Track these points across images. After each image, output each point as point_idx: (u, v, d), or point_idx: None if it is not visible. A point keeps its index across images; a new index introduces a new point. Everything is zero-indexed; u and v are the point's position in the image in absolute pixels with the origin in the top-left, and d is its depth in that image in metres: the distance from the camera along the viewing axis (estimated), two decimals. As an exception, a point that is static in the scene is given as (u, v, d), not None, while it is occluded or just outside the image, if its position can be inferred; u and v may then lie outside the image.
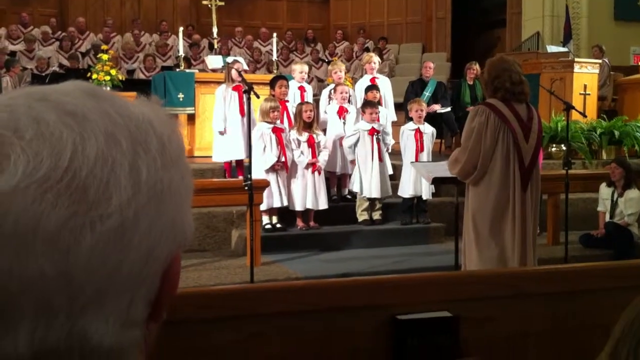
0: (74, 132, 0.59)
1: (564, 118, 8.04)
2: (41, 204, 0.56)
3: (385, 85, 9.13)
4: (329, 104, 8.56)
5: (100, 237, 0.58)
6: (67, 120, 0.59)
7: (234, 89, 8.06)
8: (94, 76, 9.92)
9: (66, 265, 0.56)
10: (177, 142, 0.67)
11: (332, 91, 8.51)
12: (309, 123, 7.53)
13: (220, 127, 8.10)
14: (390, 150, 8.19)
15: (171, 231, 0.64)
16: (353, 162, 7.85)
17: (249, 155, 6.31)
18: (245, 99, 7.84)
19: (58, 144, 0.58)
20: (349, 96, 8.41)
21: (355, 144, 7.79)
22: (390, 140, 8.15)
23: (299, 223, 7.58)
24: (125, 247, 0.59)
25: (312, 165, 7.46)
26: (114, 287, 0.60)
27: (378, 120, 7.88)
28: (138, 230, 0.60)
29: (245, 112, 7.97)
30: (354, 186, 7.84)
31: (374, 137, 7.74)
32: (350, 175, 8.21)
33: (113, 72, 10.18)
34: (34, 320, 0.57)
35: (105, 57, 10.28)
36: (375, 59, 9.29)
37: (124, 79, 11.04)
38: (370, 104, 7.89)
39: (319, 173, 7.51)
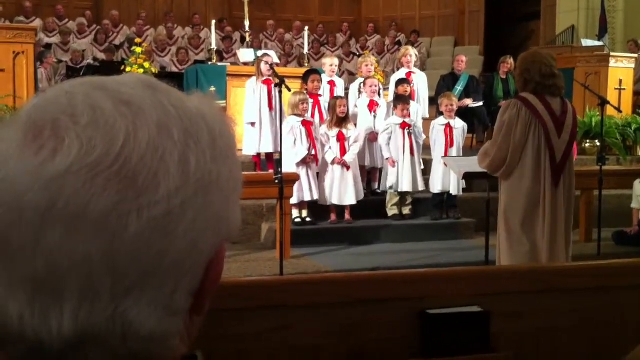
0: (128, 121, 0.61)
1: (598, 113, 7.95)
2: (91, 187, 0.58)
3: (420, 80, 9.06)
4: (359, 97, 8.54)
5: (147, 224, 0.59)
6: (122, 109, 0.62)
7: (264, 82, 8.10)
8: (128, 69, 10.02)
9: (112, 249, 0.58)
10: (228, 136, 0.69)
11: (362, 85, 8.49)
12: (342, 118, 7.52)
13: (250, 119, 8.17)
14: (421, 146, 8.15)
15: (217, 224, 0.65)
16: (390, 159, 7.76)
17: (280, 149, 6.33)
18: (274, 93, 7.90)
19: (111, 131, 0.60)
20: (379, 89, 8.38)
21: (389, 139, 7.76)
22: (422, 136, 8.07)
23: (332, 217, 7.59)
24: (170, 236, 0.61)
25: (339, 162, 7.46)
26: (158, 274, 0.61)
27: (409, 115, 7.85)
28: (184, 220, 0.61)
29: (274, 105, 8.02)
30: (388, 182, 7.79)
31: (406, 131, 7.71)
32: (380, 170, 8.20)
33: (146, 65, 10.28)
34: (79, 300, 0.59)
35: (139, 50, 10.38)
36: (412, 52, 9.20)
37: (157, 72, 11.14)
38: (402, 100, 7.85)
39: (348, 168, 7.49)
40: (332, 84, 8.74)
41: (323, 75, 8.66)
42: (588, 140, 9.61)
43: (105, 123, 0.60)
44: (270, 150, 8.16)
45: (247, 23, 11.56)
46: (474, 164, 5.54)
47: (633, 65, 10.94)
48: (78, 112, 0.61)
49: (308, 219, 7.49)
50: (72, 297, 0.59)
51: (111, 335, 0.60)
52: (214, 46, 10.67)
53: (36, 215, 0.58)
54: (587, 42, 12.88)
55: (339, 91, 8.70)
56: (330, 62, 8.88)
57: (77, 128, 0.60)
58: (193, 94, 0.69)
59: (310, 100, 7.68)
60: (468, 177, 6.29)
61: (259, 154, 8.36)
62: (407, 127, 7.72)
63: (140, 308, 0.61)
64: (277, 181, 5.95)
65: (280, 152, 6.27)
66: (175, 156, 0.61)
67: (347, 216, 7.61)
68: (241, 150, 8.28)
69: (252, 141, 8.25)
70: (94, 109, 0.61)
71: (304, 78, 8.15)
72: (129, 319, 0.60)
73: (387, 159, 7.79)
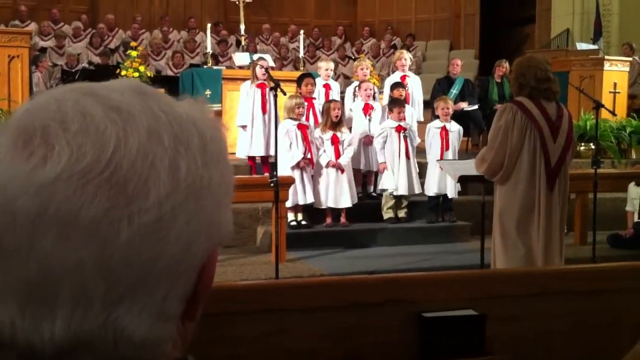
0: (118, 127, 0.61)
1: (593, 116, 7.96)
2: (82, 194, 0.58)
3: (415, 83, 9.08)
4: (354, 101, 8.55)
5: (138, 230, 0.59)
6: (112, 115, 0.61)
7: (258, 86, 8.12)
8: (123, 72, 10.00)
9: (103, 256, 0.58)
10: (220, 141, 0.68)
11: (357, 88, 8.51)
12: (336, 121, 7.53)
13: (242, 122, 8.21)
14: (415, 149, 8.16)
15: (208, 229, 0.65)
16: (383, 164, 7.77)
17: (275, 152, 6.32)
18: (268, 97, 7.92)
19: (102, 138, 0.60)
20: (374, 93, 8.39)
21: (384, 143, 7.77)
22: (416, 139, 8.09)
23: (328, 220, 7.59)
24: (161, 242, 0.61)
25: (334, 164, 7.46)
26: (150, 280, 0.61)
27: (404, 119, 7.87)
28: (175, 226, 0.61)
29: (267, 109, 8.04)
30: (384, 184, 7.79)
31: (401, 135, 7.73)
32: (375, 173, 8.20)
33: (142, 68, 10.27)
34: (72, 307, 0.59)
35: (134, 53, 10.37)
36: (407, 55, 9.23)
37: (152, 75, 11.13)
38: (397, 103, 7.87)
39: (342, 171, 7.50)
40: (327, 87, 8.75)
41: (318, 79, 8.67)
42: (583, 144, 9.63)
43: (96, 129, 0.60)
44: (262, 153, 8.19)
45: (242, 26, 11.56)
46: (469, 167, 5.55)
47: (628, 69, 10.97)
48: (68, 119, 0.60)
49: (303, 222, 7.49)
50: (64, 304, 0.59)
51: (103, 341, 0.60)
52: (209, 50, 10.67)
53: (27, 222, 0.58)
54: (581, 46, 12.91)
55: (334, 95, 8.70)
56: (325, 66, 8.88)
57: (67, 135, 0.59)
58: (183, 99, 0.69)
59: (305, 104, 7.69)
60: (463, 180, 6.30)
61: (254, 158, 8.37)
62: (402, 131, 7.73)
63: (132, 314, 0.61)
64: (272, 184, 5.95)
65: (276, 156, 6.27)
66: (165, 162, 0.61)
67: (342, 219, 7.61)
68: (234, 153, 8.29)
69: (243, 144, 8.28)
70: (84, 115, 0.61)
71: (298, 82, 8.18)
72: (121, 325, 0.60)
73: (380, 163, 7.78)
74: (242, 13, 11.59)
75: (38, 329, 0.59)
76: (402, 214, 7.89)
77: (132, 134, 0.61)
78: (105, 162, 0.59)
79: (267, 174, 7.21)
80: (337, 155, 7.49)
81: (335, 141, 7.49)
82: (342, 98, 8.86)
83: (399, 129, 7.72)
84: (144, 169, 0.60)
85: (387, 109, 8.13)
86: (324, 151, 7.50)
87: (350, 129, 7.96)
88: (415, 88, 9.06)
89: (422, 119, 9.02)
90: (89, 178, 0.58)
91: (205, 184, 0.64)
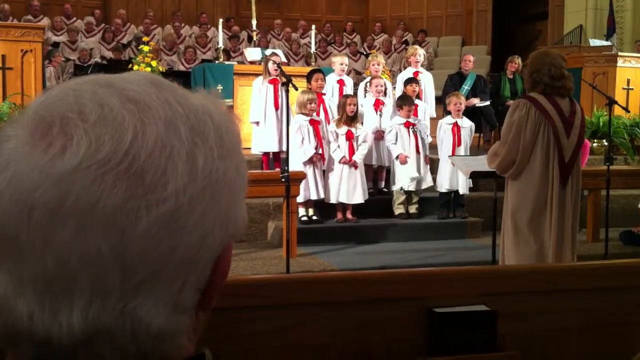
0: (135, 118, 0.61)
1: (606, 113, 7.93)
2: (101, 184, 0.58)
3: (427, 80, 9.09)
4: (365, 97, 8.54)
5: (156, 221, 0.59)
6: (130, 106, 0.62)
7: (270, 82, 8.13)
8: (135, 67, 10.02)
9: (121, 246, 0.59)
10: (234, 133, 0.69)
11: (368, 84, 8.50)
12: (351, 116, 7.52)
13: (254, 118, 8.22)
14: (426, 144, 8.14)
15: (224, 220, 0.65)
16: (402, 155, 7.69)
17: (287, 148, 6.33)
18: (280, 92, 7.92)
19: (120, 129, 0.60)
20: (385, 89, 8.38)
21: (395, 138, 7.75)
22: (427, 135, 8.07)
23: (339, 216, 7.59)
24: (178, 232, 0.61)
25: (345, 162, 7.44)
26: (166, 271, 0.61)
27: (416, 114, 7.84)
28: (192, 217, 0.62)
29: (280, 105, 8.04)
30: (399, 179, 7.77)
31: (410, 130, 7.71)
32: (387, 169, 8.20)
33: (154, 63, 10.29)
34: (89, 297, 0.59)
35: (146, 48, 10.39)
36: (420, 51, 9.25)
37: (164, 70, 11.15)
38: (407, 101, 7.84)
39: (356, 167, 7.49)
40: (341, 83, 8.75)
41: (332, 74, 8.68)
42: (596, 140, 9.58)
43: (114, 120, 0.60)
44: (275, 149, 8.20)
45: (254, 22, 11.56)
46: (481, 163, 5.54)
47: (641, 65, 10.90)
48: (86, 110, 0.61)
49: (314, 218, 7.49)
50: (82, 295, 0.59)
51: (121, 332, 0.60)
52: (221, 45, 10.68)
53: (46, 212, 0.58)
54: (595, 42, 12.83)
55: (348, 90, 8.71)
56: (340, 61, 8.88)
57: (86, 125, 0.60)
58: (197, 91, 0.69)
59: (316, 99, 7.68)
60: (475, 176, 6.28)
61: (267, 153, 8.38)
62: (411, 126, 7.72)
63: (149, 305, 0.61)
64: (283, 179, 5.96)
65: (287, 151, 6.27)
66: (182, 153, 0.62)
67: (348, 215, 7.60)
68: (249, 149, 8.30)
69: (256, 140, 8.30)
70: (102, 106, 0.61)
71: (308, 78, 8.18)
72: (139, 316, 0.61)
73: (396, 157, 7.74)
74: (253, 8, 11.60)
75: (56, 319, 0.59)
76: (413, 209, 7.88)
77: (150, 125, 0.61)
78: (123, 153, 0.59)
79: (278, 169, 7.21)
80: (351, 151, 7.48)
81: (349, 137, 7.49)
82: (355, 93, 8.86)
83: (407, 124, 7.71)
84: (161, 159, 0.60)
85: (396, 106, 8.11)
86: (338, 146, 7.49)
87: (362, 124, 7.95)
88: (428, 84, 9.06)
89: (434, 115, 9.01)
90: (107, 168, 0.58)
91: (221, 176, 0.64)
